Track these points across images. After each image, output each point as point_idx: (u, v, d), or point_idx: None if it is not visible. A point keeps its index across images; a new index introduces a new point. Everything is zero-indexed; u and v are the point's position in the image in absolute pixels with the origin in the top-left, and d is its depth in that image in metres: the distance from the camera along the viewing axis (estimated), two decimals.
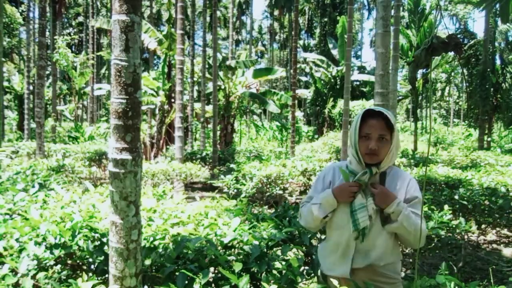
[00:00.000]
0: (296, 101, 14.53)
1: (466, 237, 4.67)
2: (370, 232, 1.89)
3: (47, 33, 18.18)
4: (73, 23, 40.41)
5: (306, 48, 40.90)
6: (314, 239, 2.85)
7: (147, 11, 31.56)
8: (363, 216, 1.86)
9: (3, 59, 13.65)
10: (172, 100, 13.37)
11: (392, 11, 8.04)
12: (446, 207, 3.81)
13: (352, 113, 21.38)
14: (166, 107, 13.59)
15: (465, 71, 17.65)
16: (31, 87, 17.73)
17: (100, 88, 22.23)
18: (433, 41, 1.74)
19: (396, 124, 1.92)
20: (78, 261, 2.26)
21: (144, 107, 13.97)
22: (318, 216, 1.94)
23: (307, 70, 31.97)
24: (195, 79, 15.88)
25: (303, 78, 32.03)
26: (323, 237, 2.86)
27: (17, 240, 2.29)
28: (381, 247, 1.91)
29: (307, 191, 8.95)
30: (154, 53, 18.19)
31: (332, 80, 23.73)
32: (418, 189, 1.95)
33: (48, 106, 20.66)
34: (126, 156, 1.84)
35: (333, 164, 2.10)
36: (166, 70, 13.62)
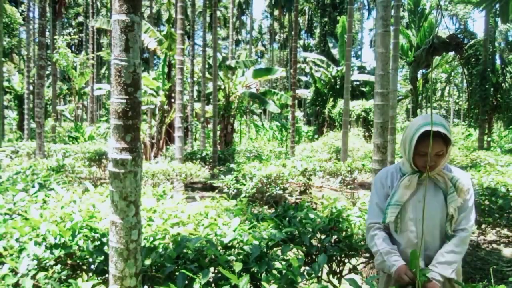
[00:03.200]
0: (296, 101, 14.53)
1: None
2: (430, 230, 1.99)
3: (47, 33, 18.18)
4: (73, 23, 40.40)
5: (306, 48, 40.89)
6: (314, 239, 2.85)
7: (147, 11, 31.55)
8: (393, 213, 1.98)
9: (3, 59, 13.65)
10: (172, 100, 13.37)
11: (392, 11, 8.04)
12: None
13: (352, 113, 21.40)
14: (166, 107, 13.59)
15: (465, 71, 17.65)
16: (31, 87, 17.72)
17: (100, 88, 22.23)
18: (434, 41, 1.74)
19: (452, 138, 1.96)
20: (78, 261, 2.26)
21: (144, 107, 13.96)
22: (375, 260, 2.08)
23: (307, 70, 31.94)
24: (195, 79, 15.87)
25: (303, 78, 32.03)
26: (323, 237, 2.87)
27: (17, 240, 2.29)
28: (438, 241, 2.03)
29: (307, 191, 8.95)
30: (154, 53, 18.19)
31: (332, 80, 23.73)
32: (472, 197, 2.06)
33: (48, 106, 20.65)
34: (126, 156, 1.84)
35: (386, 169, 2.19)
36: (166, 70, 13.62)
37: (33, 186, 3.70)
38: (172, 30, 13.03)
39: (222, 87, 15.63)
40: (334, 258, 2.89)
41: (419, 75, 16.79)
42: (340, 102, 21.37)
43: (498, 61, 17.41)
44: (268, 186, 7.44)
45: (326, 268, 2.86)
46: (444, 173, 2.00)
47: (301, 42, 42.93)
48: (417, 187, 2.00)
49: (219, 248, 2.34)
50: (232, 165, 8.98)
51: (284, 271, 2.12)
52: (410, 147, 1.93)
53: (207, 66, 14.82)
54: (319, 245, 2.83)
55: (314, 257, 2.80)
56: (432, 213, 1.98)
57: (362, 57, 51.40)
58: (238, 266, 1.97)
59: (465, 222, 1.99)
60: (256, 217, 3.07)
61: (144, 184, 7.63)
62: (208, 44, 15.55)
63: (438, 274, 1.91)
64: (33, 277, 2.04)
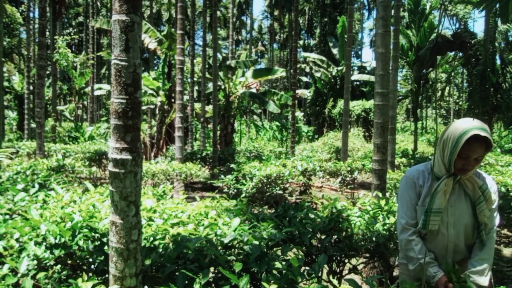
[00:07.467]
0: (296, 101, 14.53)
1: None
2: (458, 234, 2.01)
3: (47, 33, 18.18)
4: (73, 23, 40.40)
5: (306, 48, 40.86)
6: (314, 239, 2.85)
7: (147, 11, 31.56)
8: (435, 221, 1.94)
9: (3, 59, 13.64)
10: (172, 100, 13.38)
11: (392, 11, 8.05)
12: None
13: (352, 113, 21.39)
14: (166, 107, 13.59)
15: (465, 71, 17.66)
16: (31, 87, 17.72)
17: (100, 88, 22.21)
18: (438, 40, 1.72)
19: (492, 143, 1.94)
20: (78, 261, 2.26)
21: (144, 107, 13.97)
22: (410, 265, 2.02)
23: (307, 70, 31.95)
24: (195, 79, 15.87)
25: (303, 78, 32.04)
26: (323, 237, 2.87)
27: (17, 240, 2.29)
28: (464, 245, 2.06)
29: (307, 191, 8.95)
30: (154, 53, 18.18)
31: (332, 80, 23.72)
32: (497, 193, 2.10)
33: (48, 106, 20.65)
34: (126, 156, 1.84)
35: (416, 168, 2.13)
36: (166, 70, 13.62)
37: (33, 186, 3.70)
38: (172, 30, 13.04)
39: (222, 87, 15.63)
40: (334, 258, 2.89)
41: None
42: (340, 102, 21.38)
43: (498, 61, 17.43)
44: (268, 186, 7.44)
45: (326, 268, 2.86)
46: (474, 179, 2.00)
47: (301, 42, 42.92)
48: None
49: (219, 248, 2.34)
50: (232, 165, 8.98)
51: (284, 271, 2.11)
52: (455, 148, 1.89)
53: (207, 66, 14.82)
54: (319, 245, 2.83)
55: (314, 257, 2.80)
56: (462, 218, 2.00)
57: (362, 57, 51.45)
58: (238, 266, 1.97)
59: (491, 224, 2.04)
60: (256, 217, 3.06)
61: (144, 184, 7.63)
62: (208, 44, 15.55)
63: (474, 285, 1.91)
64: (33, 277, 2.04)
